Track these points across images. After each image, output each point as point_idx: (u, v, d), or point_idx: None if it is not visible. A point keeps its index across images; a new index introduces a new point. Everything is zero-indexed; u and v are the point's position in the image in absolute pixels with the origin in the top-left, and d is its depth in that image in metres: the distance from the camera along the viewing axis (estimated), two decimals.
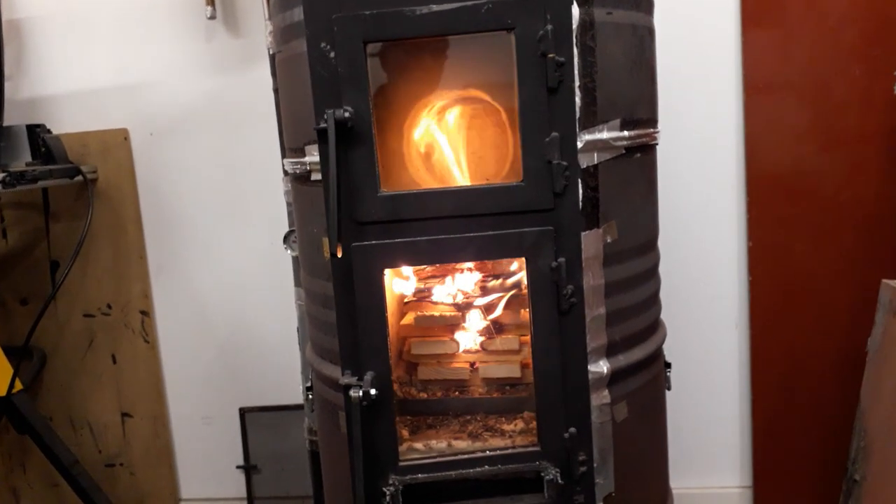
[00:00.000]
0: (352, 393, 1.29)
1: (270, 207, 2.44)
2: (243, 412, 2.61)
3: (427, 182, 1.53)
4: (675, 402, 1.86)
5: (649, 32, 1.64)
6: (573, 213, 1.36)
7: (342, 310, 1.36)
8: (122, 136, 2.55)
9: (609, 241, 1.52)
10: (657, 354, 1.72)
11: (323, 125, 1.29)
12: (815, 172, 2.23)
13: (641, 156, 1.61)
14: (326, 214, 1.28)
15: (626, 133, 1.53)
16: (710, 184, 2.32)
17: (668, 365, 1.82)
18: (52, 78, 2.55)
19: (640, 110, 1.60)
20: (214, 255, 2.58)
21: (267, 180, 2.44)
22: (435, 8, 1.31)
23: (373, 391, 1.30)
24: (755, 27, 2.21)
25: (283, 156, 1.79)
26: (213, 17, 2.43)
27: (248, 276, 2.57)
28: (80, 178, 2.45)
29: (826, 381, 2.28)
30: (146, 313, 2.61)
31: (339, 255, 1.28)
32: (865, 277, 2.20)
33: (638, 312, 1.63)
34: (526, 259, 1.36)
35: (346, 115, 1.29)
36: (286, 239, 2.04)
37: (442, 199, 1.36)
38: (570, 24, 1.32)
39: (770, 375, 2.32)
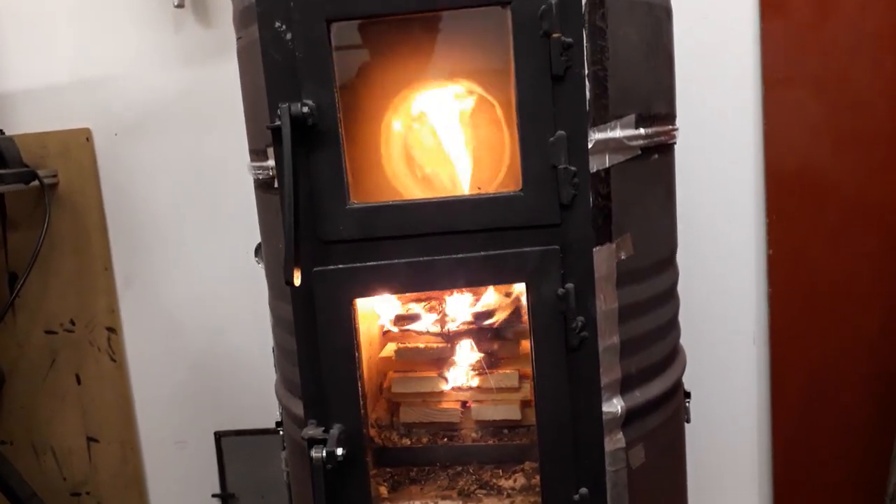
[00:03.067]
0: (314, 453, 1.02)
1: (248, 213, 2.15)
2: (219, 436, 2.36)
3: (407, 192, 1.25)
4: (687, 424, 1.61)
5: (667, 14, 1.37)
6: (583, 230, 1.09)
7: (304, 349, 1.09)
8: (83, 137, 2.29)
9: (623, 257, 1.26)
10: (677, 386, 1.46)
11: (277, 123, 1.02)
12: (840, 173, 1.97)
13: (659, 157, 1.34)
14: (284, 232, 1.01)
15: (642, 131, 1.26)
16: (725, 186, 2.06)
17: (687, 395, 1.56)
18: (5, 74, 2.29)
19: (658, 104, 1.33)
20: (187, 265, 2.33)
21: (244, 183, 2.16)
22: None
23: (339, 451, 1.03)
24: (774, 14, 1.94)
25: None
26: (181, 6, 2.18)
27: (224, 288, 2.31)
28: (36, 182, 2.18)
29: (854, 402, 2.03)
30: (113, 329, 2.35)
31: (297, 283, 1.01)
32: None
33: (656, 339, 1.37)
34: (527, 285, 1.09)
35: (306, 110, 1.02)
36: (258, 251, 1.78)
37: (424, 212, 1.09)
38: None
39: (792, 395, 2.07)
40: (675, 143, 1.41)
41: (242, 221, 2.21)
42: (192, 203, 2.29)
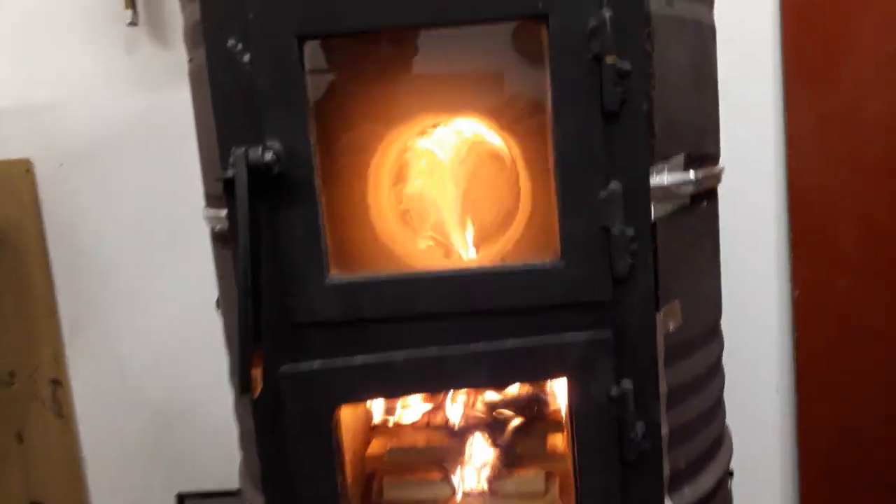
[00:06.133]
0: None
1: (209, 251, 1.88)
2: (181, 498, 2.06)
3: (406, 257, 0.95)
4: None
5: (712, 34, 1.11)
6: (645, 309, 0.80)
7: (270, 470, 0.79)
8: (23, 168, 1.98)
9: (671, 329, 0.98)
10: (726, 475, 1.18)
11: (230, 174, 0.72)
12: (872, 201, 1.72)
13: (707, 204, 1.07)
14: (238, 324, 0.71)
15: (692, 175, 0.99)
16: (745, 216, 1.79)
17: (730, 474, 1.29)
18: None
19: (707, 142, 1.07)
20: (142, 308, 2.01)
21: (204, 219, 1.89)
22: None
23: None
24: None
25: None
26: (134, 24, 1.87)
27: (184, 334, 2.01)
28: None
29: (889, 453, 1.77)
30: (59, 382, 2.04)
31: (256, 394, 0.70)
32: None
33: (705, 423, 1.10)
34: (569, 382, 0.80)
35: (269, 156, 0.72)
36: (219, 303, 1.50)
37: (431, 287, 0.80)
38: (642, 7, 0.76)
39: (820, 452, 1.81)
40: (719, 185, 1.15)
41: (204, 258, 1.91)
42: (146, 241, 1.98)
